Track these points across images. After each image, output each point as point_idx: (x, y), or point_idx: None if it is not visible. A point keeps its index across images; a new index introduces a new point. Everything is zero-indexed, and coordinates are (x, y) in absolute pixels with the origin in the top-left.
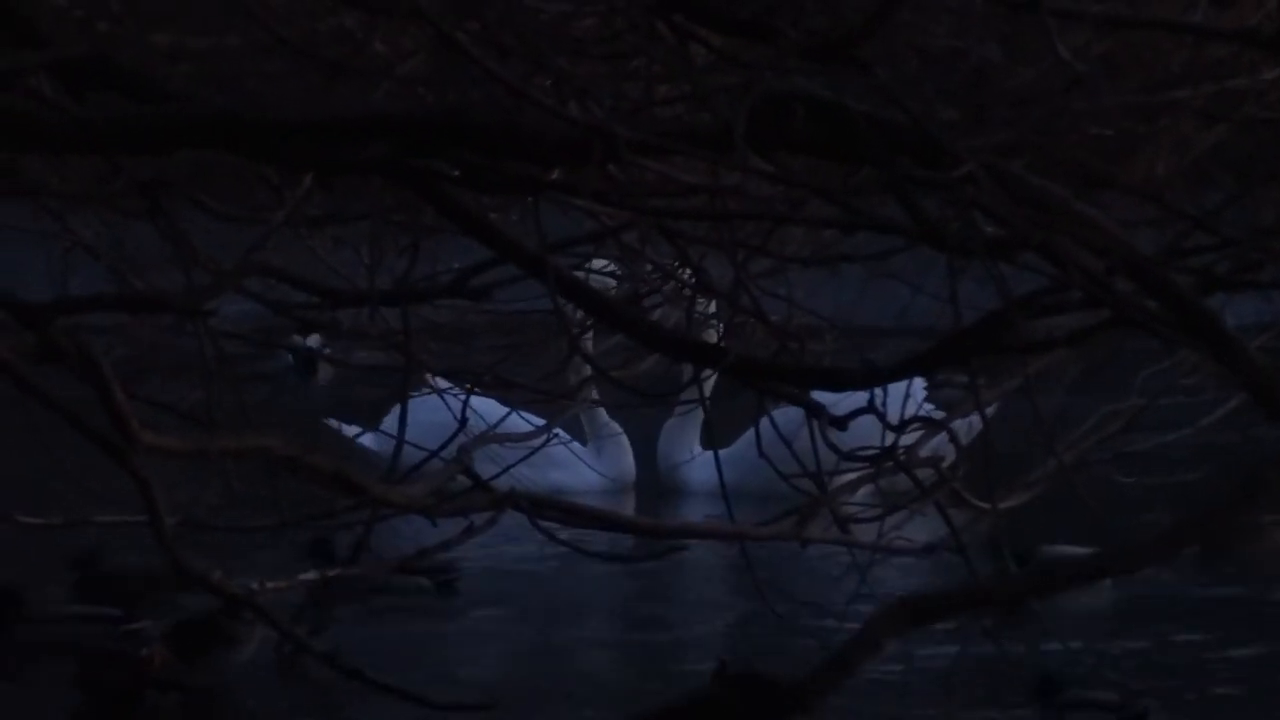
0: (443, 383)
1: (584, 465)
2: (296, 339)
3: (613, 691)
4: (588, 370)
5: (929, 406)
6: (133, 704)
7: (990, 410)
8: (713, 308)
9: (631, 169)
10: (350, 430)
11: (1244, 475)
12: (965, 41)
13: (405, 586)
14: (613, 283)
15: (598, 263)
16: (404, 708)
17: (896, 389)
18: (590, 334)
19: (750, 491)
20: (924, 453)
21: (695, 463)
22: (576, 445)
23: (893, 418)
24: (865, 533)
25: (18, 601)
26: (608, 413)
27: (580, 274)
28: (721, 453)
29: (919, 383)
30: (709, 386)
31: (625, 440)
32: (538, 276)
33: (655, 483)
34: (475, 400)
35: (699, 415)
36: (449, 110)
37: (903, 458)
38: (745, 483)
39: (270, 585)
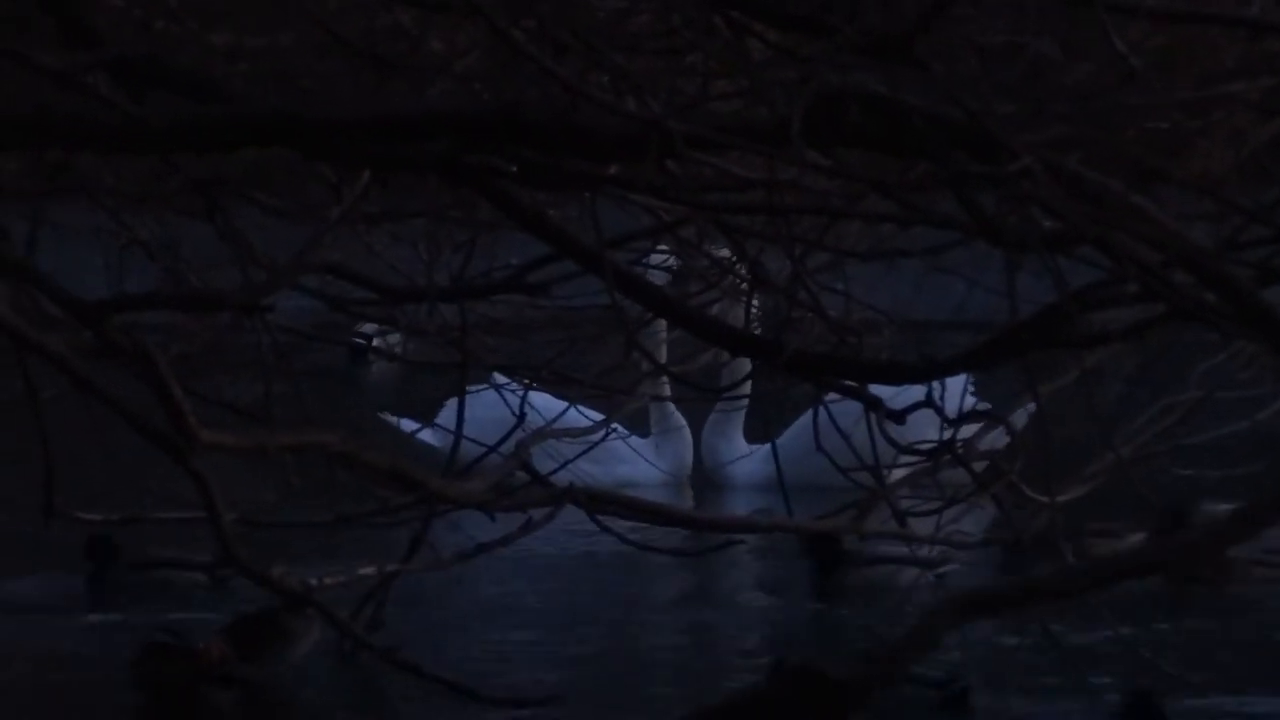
0: (501, 378)
1: (652, 459)
2: (365, 327)
3: (671, 686)
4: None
5: (973, 401)
6: (189, 697)
7: (1029, 409)
8: (743, 287)
9: (688, 164)
10: (408, 425)
11: None
12: (1021, 36)
13: (181, 580)
14: (667, 275)
15: (655, 257)
16: (461, 702)
17: (953, 383)
18: (664, 330)
19: (794, 484)
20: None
21: (738, 456)
22: (635, 439)
23: (949, 412)
24: (923, 527)
25: None
26: (675, 406)
27: (640, 269)
28: (767, 447)
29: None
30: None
31: (686, 433)
32: (595, 272)
33: (701, 476)
34: (534, 396)
35: (741, 409)
36: (506, 107)
37: (960, 452)
38: (789, 476)
39: (329, 581)
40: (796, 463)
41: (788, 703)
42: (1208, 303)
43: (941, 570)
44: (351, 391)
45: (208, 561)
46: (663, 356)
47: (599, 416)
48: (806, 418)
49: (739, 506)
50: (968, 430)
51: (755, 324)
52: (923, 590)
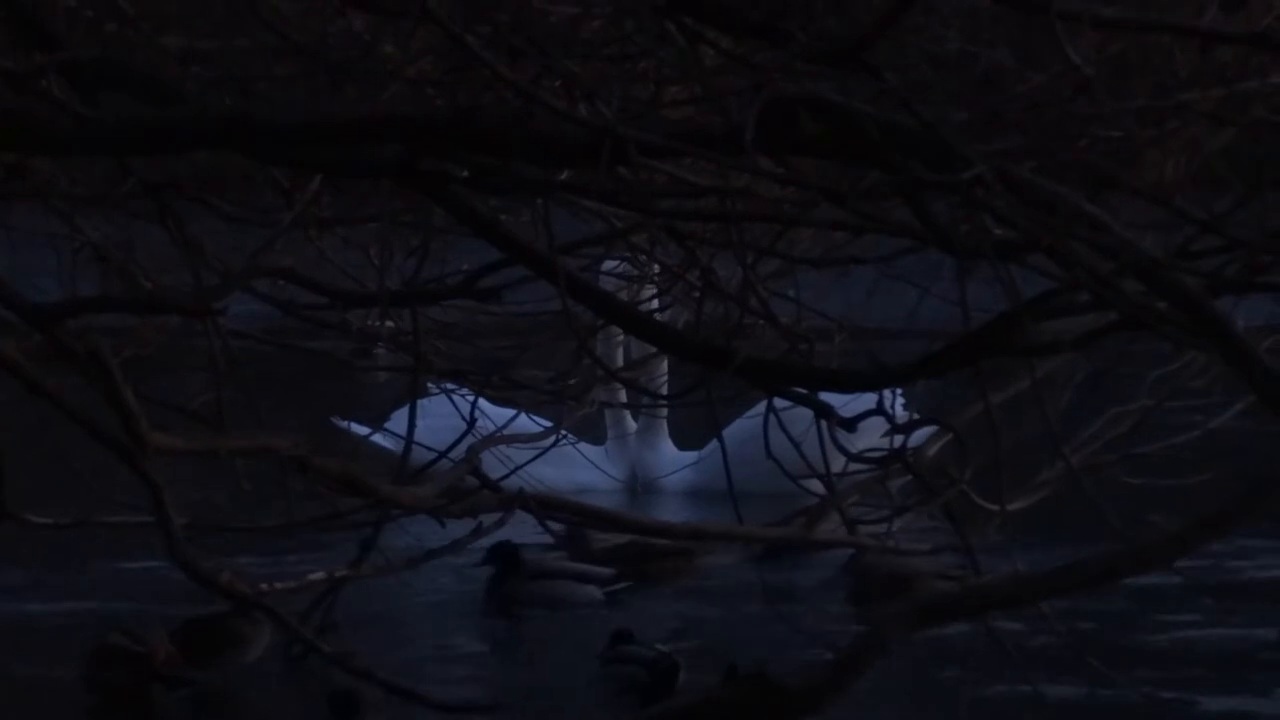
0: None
1: (606, 466)
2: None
3: (622, 693)
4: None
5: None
6: (139, 701)
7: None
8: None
9: (641, 170)
10: (361, 430)
11: (1251, 477)
12: (975, 45)
13: None
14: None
15: (608, 264)
16: (411, 707)
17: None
18: (620, 336)
19: (719, 492)
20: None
21: (667, 464)
22: (586, 445)
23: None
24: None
25: None
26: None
27: (592, 275)
28: (693, 454)
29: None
30: (663, 382)
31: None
32: (547, 277)
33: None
34: (485, 402)
35: (664, 416)
36: (459, 112)
37: (910, 460)
38: (714, 484)
39: (279, 586)
40: (721, 472)
41: (740, 709)
42: (1159, 311)
43: (613, 588)
44: (336, 393)
45: None
46: (619, 362)
47: (548, 423)
48: (735, 425)
49: (666, 513)
50: (918, 438)
51: (707, 330)
52: (597, 605)
